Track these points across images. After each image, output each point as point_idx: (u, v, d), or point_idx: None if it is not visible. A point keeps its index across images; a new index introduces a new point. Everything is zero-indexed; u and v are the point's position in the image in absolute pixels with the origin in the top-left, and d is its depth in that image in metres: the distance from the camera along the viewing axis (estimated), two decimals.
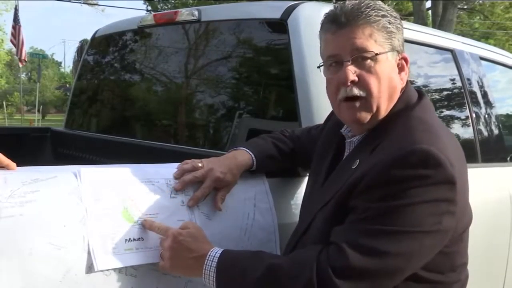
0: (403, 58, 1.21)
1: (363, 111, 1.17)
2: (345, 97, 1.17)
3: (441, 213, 1.05)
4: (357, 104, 1.17)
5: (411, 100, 1.21)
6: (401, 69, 1.21)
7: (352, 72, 1.15)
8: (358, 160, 1.16)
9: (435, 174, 1.03)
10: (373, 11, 1.16)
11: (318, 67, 1.25)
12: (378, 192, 1.05)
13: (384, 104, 1.18)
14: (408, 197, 1.03)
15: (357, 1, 1.18)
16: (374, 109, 1.17)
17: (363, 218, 1.06)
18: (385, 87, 1.17)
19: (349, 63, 1.15)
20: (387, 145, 1.11)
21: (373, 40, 1.15)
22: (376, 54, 1.15)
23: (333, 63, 1.19)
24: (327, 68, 1.22)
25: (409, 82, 1.25)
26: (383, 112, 1.18)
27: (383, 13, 1.17)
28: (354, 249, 1.02)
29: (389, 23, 1.17)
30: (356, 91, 1.16)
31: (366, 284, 1.03)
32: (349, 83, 1.15)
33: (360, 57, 1.15)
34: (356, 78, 1.15)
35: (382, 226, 1.03)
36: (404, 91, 1.22)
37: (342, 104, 1.19)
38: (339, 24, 1.16)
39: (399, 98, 1.20)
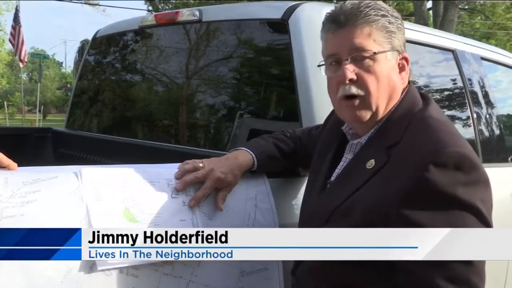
0: (403, 58, 1.21)
1: (362, 109, 1.17)
2: (344, 95, 1.18)
3: (487, 212, 1.05)
4: (356, 102, 1.17)
5: (417, 100, 1.20)
6: (401, 68, 1.21)
7: (350, 70, 1.15)
8: (373, 160, 1.14)
9: (473, 176, 1.03)
10: (372, 11, 1.16)
11: (318, 66, 1.25)
12: (424, 200, 1.02)
13: (383, 103, 1.18)
14: (456, 203, 1.01)
15: (357, 1, 1.18)
16: (373, 108, 1.17)
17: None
18: (384, 86, 1.17)
19: (347, 62, 1.16)
20: (414, 146, 1.08)
21: (371, 39, 1.15)
22: (375, 53, 1.15)
23: (333, 62, 1.20)
24: (327, 67, 1.22)
25: (412, 83, 1.25)
26: (382, 111, 1.18)
27: (382, 12, 1.17)
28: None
29: (389, 22, 1.18)
30: (354, 90, 1.16)
31: None
32: (347, 82, 1.16)
33: (359, 56, 1.15)
34: (355, 77, 1.16)
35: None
36: (407, 91, 1.22)
37: (342, 102, 1.19)
38: (338, 24, 1.17)
39: (404, 98, 1.20)
